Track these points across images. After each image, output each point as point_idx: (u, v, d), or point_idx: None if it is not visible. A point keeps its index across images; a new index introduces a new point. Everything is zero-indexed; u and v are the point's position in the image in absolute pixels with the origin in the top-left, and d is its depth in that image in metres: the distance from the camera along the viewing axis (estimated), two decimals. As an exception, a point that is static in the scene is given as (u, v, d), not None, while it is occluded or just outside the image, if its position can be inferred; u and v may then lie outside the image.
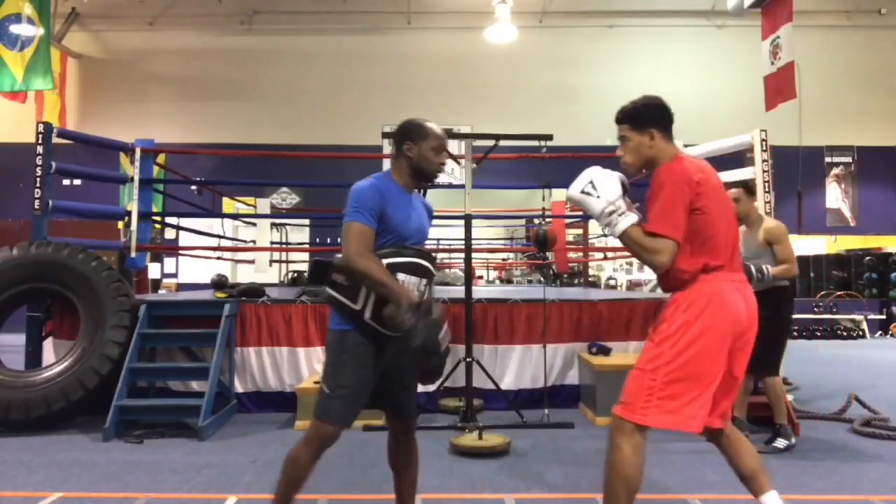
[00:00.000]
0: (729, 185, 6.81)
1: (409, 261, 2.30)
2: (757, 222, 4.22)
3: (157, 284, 12.27)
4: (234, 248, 10.03)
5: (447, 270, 12.41)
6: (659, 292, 10.28)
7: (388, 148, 11.56)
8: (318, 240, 12.01)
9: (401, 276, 2.25)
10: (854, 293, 12.84)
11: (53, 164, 5.24)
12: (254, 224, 10.07)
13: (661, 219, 2.13)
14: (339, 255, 2.29)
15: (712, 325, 2.13)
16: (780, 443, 4.05)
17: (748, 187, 4.32)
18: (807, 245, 13.99)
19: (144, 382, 4.94)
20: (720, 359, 2.17)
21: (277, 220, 11.03)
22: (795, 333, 11.97)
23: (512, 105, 12.87)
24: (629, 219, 2.17)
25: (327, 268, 2.34)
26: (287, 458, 2.31)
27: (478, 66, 13.21)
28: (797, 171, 12.96)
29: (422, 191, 2.95)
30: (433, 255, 2.45)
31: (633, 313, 5.35)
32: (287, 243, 10.83)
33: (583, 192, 2.23)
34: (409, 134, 2.41)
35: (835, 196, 13.62)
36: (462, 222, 4.94)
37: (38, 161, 5.17)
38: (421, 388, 4.99)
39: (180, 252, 11.03)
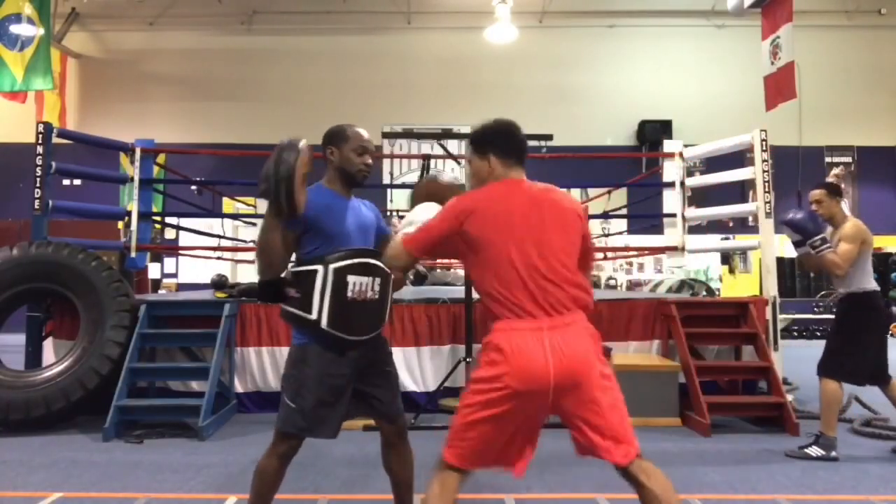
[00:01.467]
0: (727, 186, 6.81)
1: (359, 262, 2.29)
2: (842, 223, 3.99)
3: (157, 284, 12.26)
4: (234, 248, 10.03)
5: (448, 270, 12.40)
6: (659, 292, 10.28)
7: (388, 148, 11.64)
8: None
9: (352, 279, 2.25)
10: (854, 293, 12.80)
11: (53, 164, 5.25)
12: (254, 224, 10.05)
13: (417, 231, 2.18)
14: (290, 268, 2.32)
15: (499, 384, 1.93)
16: (814, 451, 3.81)
17: (830, 188, 4.11)
18: (807, 245, 13.95)
19: (144, 382, 4.93)
20: (502, 421, 1.98)
21: (277, 220, 11.01)
22: (795, 333, 11.97)
23: (512, 105, 12.83)
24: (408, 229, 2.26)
25: (279, 284, 2.30)
26: (255, 471, 2.35)
27: (478, 66, 13.20)
28: (797, 171, 12.94)
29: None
30: (378, 253, 2.41)
31: (633, 313, 5.35)
32: (287, 243, 10.80)
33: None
34: (331, 139, 2.41)
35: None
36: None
37: (38, 161, 5.18)
38: (421, 388, 5.03)
39: (180, 252, 11.03)
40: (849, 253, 3.86)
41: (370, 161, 2.42)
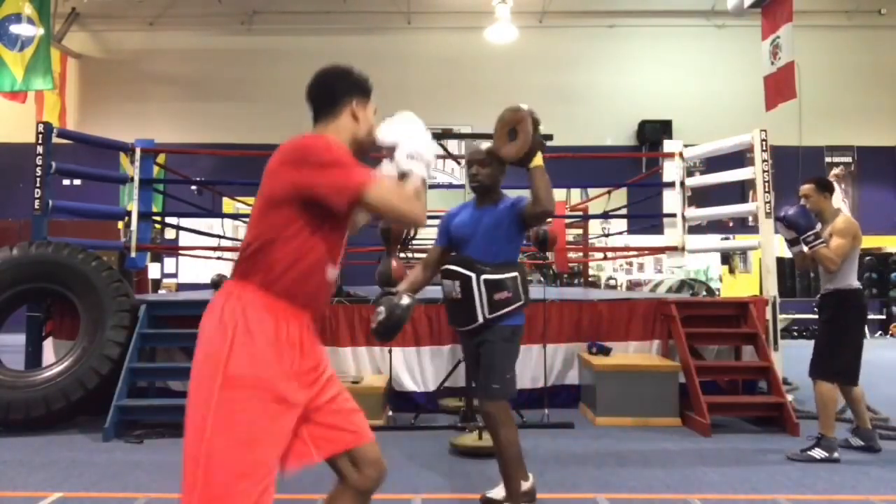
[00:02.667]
0: (728, 185, 6.81)
1: (446, 268, 2.87)
2: (831, 220, 3.95)
3: (157, 284, 12.26)
4: (234, 248, 10.02)
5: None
6: (659, 292, 10.27)
7: (388, 148, 11.67)
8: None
9: (444, 281, 2.85)
10: (854, 293, 12.80)
11: (53, 164, 5.24)
12: (254, 224, 10.06)
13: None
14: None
15: None
16: (818, 453, 3.78)
17: (819, 182, 4.05)
18: (807, 245, 13.95)
19: (144, 382, 4.93)
20: None
21: (277, 220, 11.02)
22: (795, 333, 11.97)
23: (512, 105, 12.85)
24: None
25: None
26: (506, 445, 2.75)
27: (478, 66, 13.19)
28: (797, 171, 12.91)
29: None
30: (470, 259, 2.82)
31: (633, 313, 5.35)
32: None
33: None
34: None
35: (835, 196, 13.61)
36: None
37: (38, 161, 5.17)
38: (421, 388, 5.04)
39: (180, 252, 11.03)
40: (842, 248, 3.84)
41: (474, 171, 2.88)
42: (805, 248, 3.91)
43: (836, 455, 3.78)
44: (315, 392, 1.70)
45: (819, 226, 3.98)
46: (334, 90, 1.91)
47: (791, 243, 4.03)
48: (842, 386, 3.94)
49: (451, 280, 2.80)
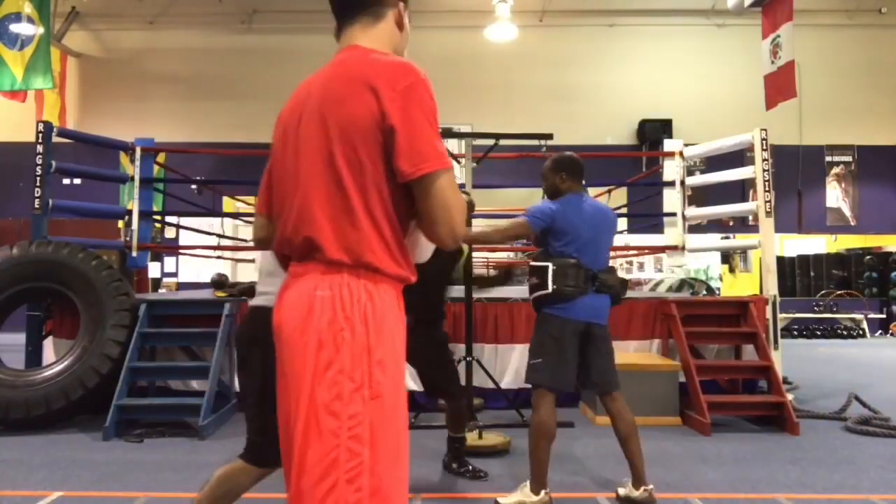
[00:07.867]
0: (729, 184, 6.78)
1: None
2: None
3: (157, 283, 12.27)
4: (234, 248, 10.03)
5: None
6: (659, 291, 10.26)
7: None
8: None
9: None
10: (854, 292, 12.84)
11: (53, 163, 5.25)
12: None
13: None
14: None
15: None
16: None
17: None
18: (807, 244, 13.98)
19: (144, 381, 4.93)
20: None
21: (277, 220, 11.00)
22: (795, 332, 11.98)
23: (512, 104, 12.85)
24: None
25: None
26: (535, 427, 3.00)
27: (478, 65, 13.18)
28: (797, 170, 12.94)
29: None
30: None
31: (633, 312, 5.35)
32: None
33: None
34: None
35: (835, 195, 13.60)
36: (462, 221, 4.93)
37: (38, 160, 5.17)
38: (421, 388, 5.02)
39: (180, 251, 11.03)
40: None
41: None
42: None
43: None
44: None
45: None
46: None
47: None
48: None
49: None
